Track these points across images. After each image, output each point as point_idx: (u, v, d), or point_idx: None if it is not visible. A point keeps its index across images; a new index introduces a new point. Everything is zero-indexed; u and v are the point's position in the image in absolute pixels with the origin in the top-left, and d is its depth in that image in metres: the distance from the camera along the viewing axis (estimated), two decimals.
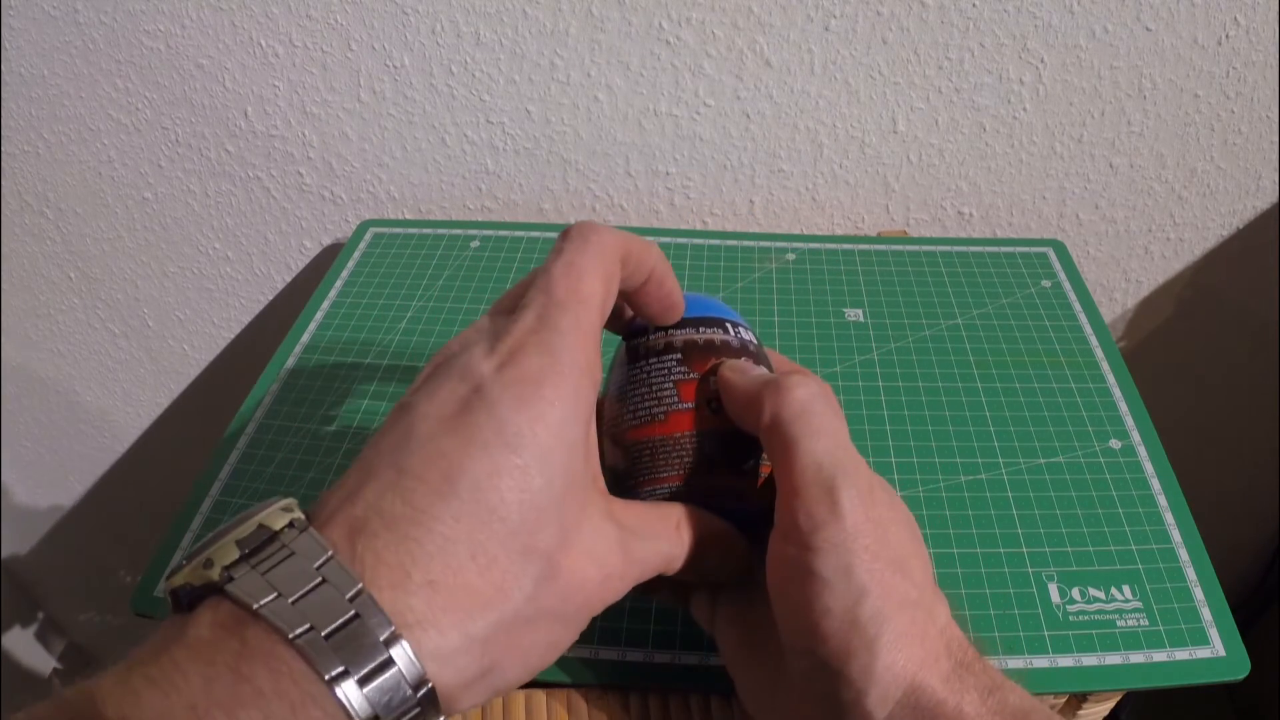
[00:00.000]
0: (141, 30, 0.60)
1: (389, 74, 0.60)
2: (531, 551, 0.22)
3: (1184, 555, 0.39)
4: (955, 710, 0.25)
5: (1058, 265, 0.56)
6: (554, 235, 0.60)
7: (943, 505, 0.42)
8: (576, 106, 0.61)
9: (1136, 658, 0.36)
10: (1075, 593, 0.38)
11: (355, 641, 0.19)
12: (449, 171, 0.65)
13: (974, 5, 0.55)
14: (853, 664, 0.25)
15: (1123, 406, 0.46)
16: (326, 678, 0.18)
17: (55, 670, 1.09)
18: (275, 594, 0.19)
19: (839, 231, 0.67)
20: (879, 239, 0.60)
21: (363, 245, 0.61)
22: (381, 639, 0.19)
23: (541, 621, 0.22)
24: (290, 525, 0.21)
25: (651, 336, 0.31)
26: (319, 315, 0.54)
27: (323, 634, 0.18)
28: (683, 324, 0.31)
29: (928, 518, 0.41)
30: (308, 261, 0.72)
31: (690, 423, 0.29)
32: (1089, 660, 0.35)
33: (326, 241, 0.71)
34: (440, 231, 0.61)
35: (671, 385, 0.30)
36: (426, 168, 0.65)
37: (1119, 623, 0.37)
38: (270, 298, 0.75)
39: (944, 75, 0.58)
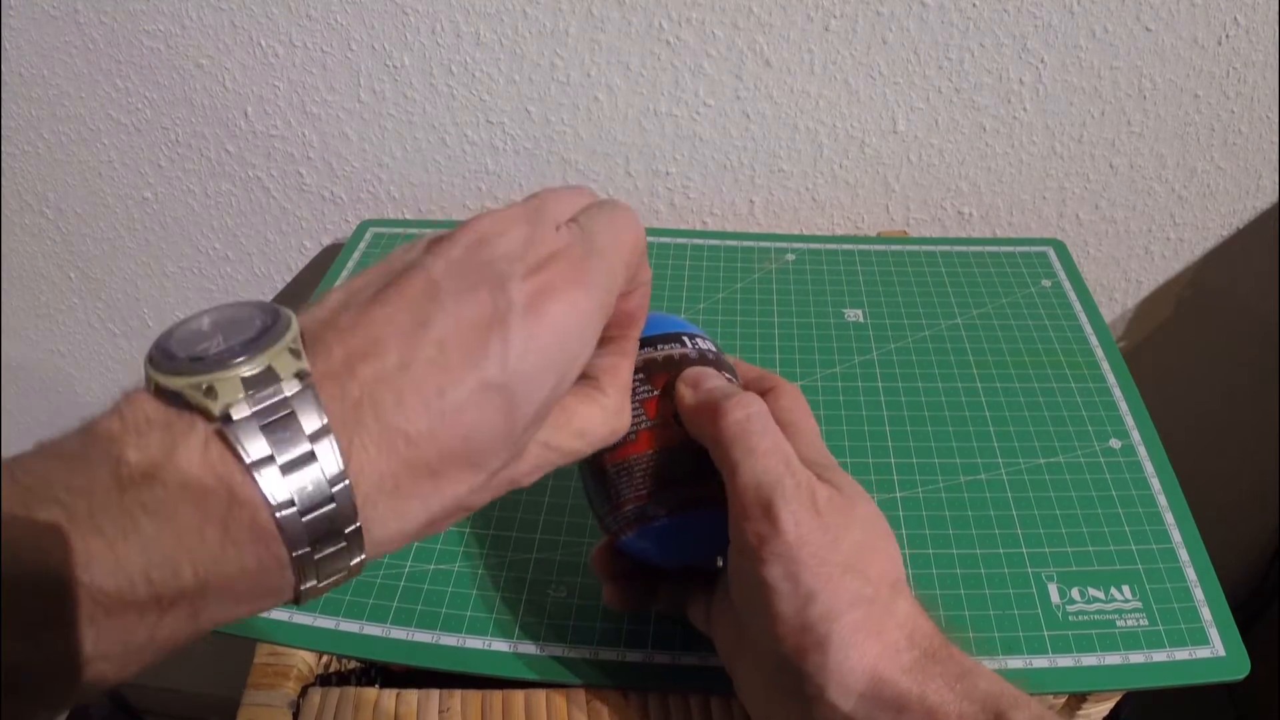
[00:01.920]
0: (141, 30, 0.60)
1: (389, 74, 0.60)
2: (484, 467, 0.23)
3: (1184, 555, 0.39)
4: (920, 699, 0.26)
5: (1058, 265, 0.56)
6: None
7: (943, 505, 0.42)
8: (576, 106, 0.61)
9: (1136, 658, 0.36)
10: (1075, 593, 0.38)
11: (326, 527, 0.20)
12: (449, 171, 0.65)
13: (974, 5, 0.55)
14: (808, 662, 0.26)
15: (1123, 406, 0.46)
16: (295, 554, 0.20)
17: None
18: (269, 454, 0.20)
19: (839, 231, 0.67)
20: (879, 239, 0.60)
21: (363, 245, 0.61)
22: (350, 530, 0.21)
23: (460, 512, 0.24)
24: (298, 374, 0.21)
25: None
26: None
27: (300, 513, 0.20)
28: (641, 344, 0.32)
29: (928, 518, 0.41)
30: (308, 261, 0.72)
31: (659, 439, 0.31)
32: (1089, 660, 0.35)
33: (326, 241, 0.71)
34: (440, 232, 0.61)
35: (638, 405, 0.31)
36: (426, 168, 0.65)
37: (1119, 623, 0.37)
38: (270, 298, 0.75)
39: (944, 75, 0.58)
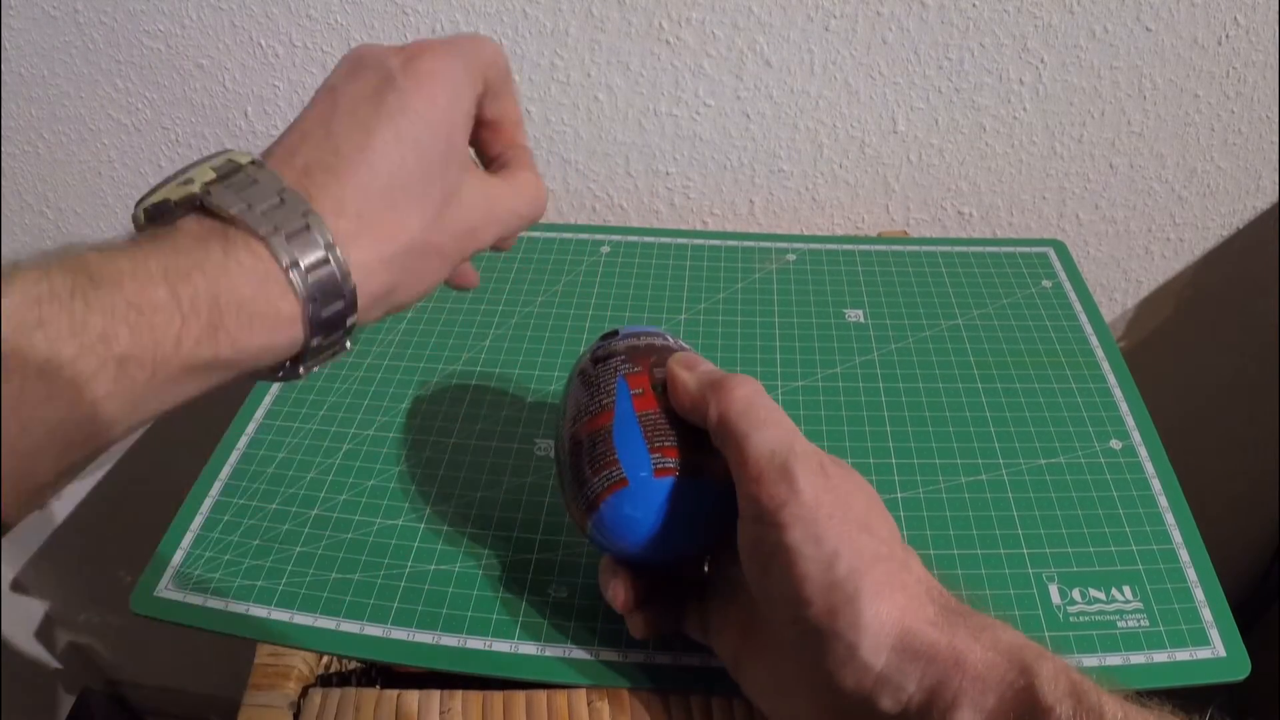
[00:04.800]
0: (141, 30, 0.60)
1: None
2: (425, 198, 0.27)
3: (1184, 556, 0.39)
4: (949, 648, 0.26)
5: (1058, 265, 0.56)
6: (554, 235, 0.60)
7: (943, 505, 0.42)
8: (576, 106, 0.61)
9: (1137, 658, 0.36)
10: (1075, 593, 0.38)
11: (305, 242, 0.24)
12: None
13: (974, 5, 0.55)
14: (839, 620, 0.27)
15: (1123, 406, 0.46)
16: (284, 264, 0.24)
17: (55, 671, 1.09)
18: (247, 205, 0.24)
19: (839, 231, 0.67)
20: (879, 239, 0.60)
21: None
22: (324, 241, 0.25)
23: (429, 255, 0.28)
24: (252, 162, 0.26)
25: (597, 351, 0.35)
26: None
27: (283, 234, 0.24)
28: (624, 336, 0.35)
29: (928, 518, 0.41)
30: None
31: (638, 407, 0.32)
32: (1089, 661, 0.35)
33: None
34: None
35: (621, 378, 0.33)
36: None
37: (1119, 623, 0.37)
38: None
39: (944, 75, 0.58)
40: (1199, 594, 0.38)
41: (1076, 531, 0.40)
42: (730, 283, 0.55)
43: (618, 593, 0.34)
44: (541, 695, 0.36)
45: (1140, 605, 0.37)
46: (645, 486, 0.31)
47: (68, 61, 0.62)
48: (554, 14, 0.57)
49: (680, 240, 0.59)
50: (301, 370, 0.26)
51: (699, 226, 0.67)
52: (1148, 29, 0.56)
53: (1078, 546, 0.40)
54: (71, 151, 0.67)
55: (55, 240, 0.73)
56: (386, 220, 0.27)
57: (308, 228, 0.24)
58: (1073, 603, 0.37)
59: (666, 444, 0.31)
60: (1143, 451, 0.44)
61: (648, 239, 0.59)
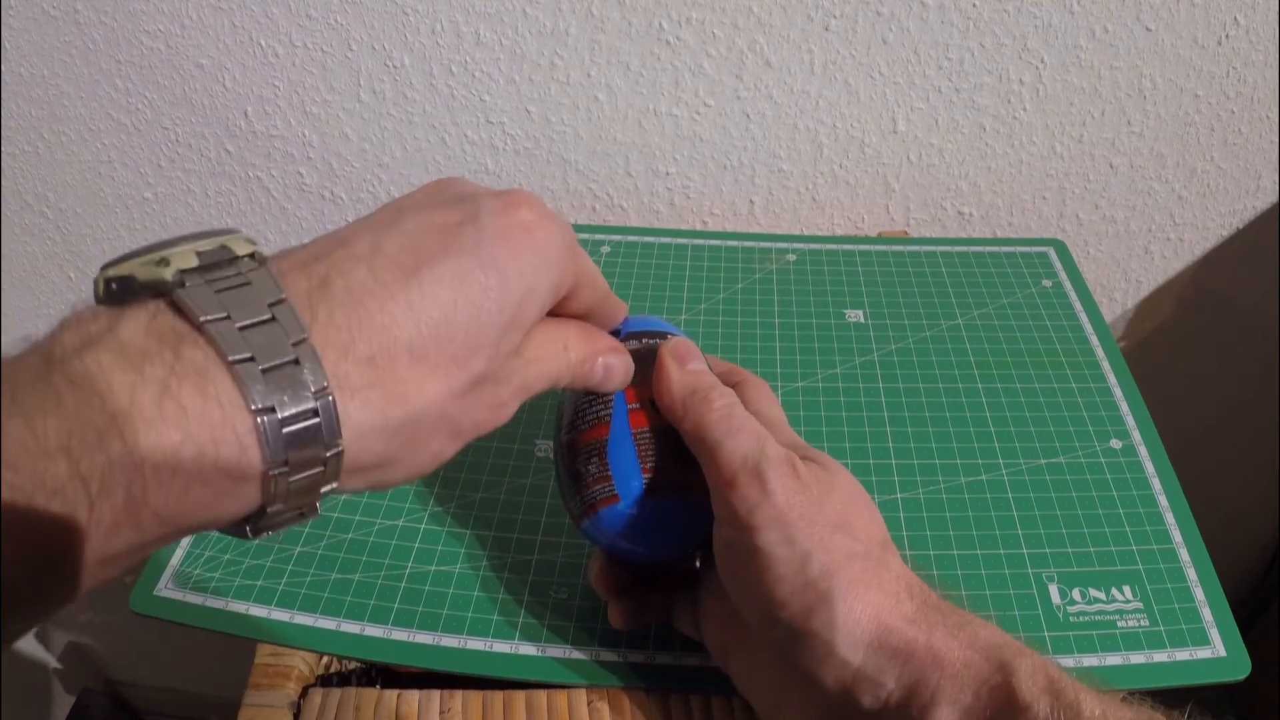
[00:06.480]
0: (141, 30, 0.60)
1: (389, 74, 0.60)
2: (460, 367, 0.22)
3: (1184, 555, 0.39)
4: (926, 646, 0.26)
5: (1058, 265, 0.56)
6: None
7: (943, 506, 0.42)
8: (576, 106, 0.61)
9: (1137, 658, 0.36)
10: (1076, 593, 0.38)
11: (289, 384, 0.19)
12: (449, 171, 0.65)
13: (974, 5, 0.55)
14: (814, 620, 0.27)
15: (1123, 406, 0.46)
16: (253, 408, 0.18)
17: (55, 671, 1.09)
18: (224, 315, 0.18)
19: (839, 232, 0.67)
20: (879, 239, 0.60)
21: None
22: (313, 390, 0.19)
23: (440, 431, 0.23)
24: (251, 256, 0.20)
25: None
26: None
27: (260, 367, 0.18)
28: (626, 336, 0.33)
29: (928, 518, 0.41)
30: None
31: (634, 423, 0.32)
32: (1089, 661, 0.36)
33: None
34: None
35: (620, 390, 0.32)
36: (426, 168, 0.65)
37: (1119, 623, 0.37)
38: None
39: (944, 75, 0.58)
40: (1199, 594, 0.38)
41: (1076, 531, 0.40)
42: (730, 283, 0.55)
43: (599, 577, 0.34)
44: (541, 695, 0.36)
45: (1140, 605, 0.37)
46: (635, 504, 0.31)
47: (68, 61, 0.62)
48: (554, 14, 0.57)
49: (680, 240, 0.59)
50: (249, 532, 0.20)
51: (699, 226, 0.67)
52: (1148, 29, 0.56)
53: (1077, 546, 0.40)
54: (71, 151, 0.67)
55: (55, 241, 0.73)
56: (403, 376, 0.21)
57: (296, 363, 0.19)
58: (1073, 603, 0.37)
59: (658, 463, 0.32)
60: (1143, 451, 0.44)
61: (648, 239, 0.59)
